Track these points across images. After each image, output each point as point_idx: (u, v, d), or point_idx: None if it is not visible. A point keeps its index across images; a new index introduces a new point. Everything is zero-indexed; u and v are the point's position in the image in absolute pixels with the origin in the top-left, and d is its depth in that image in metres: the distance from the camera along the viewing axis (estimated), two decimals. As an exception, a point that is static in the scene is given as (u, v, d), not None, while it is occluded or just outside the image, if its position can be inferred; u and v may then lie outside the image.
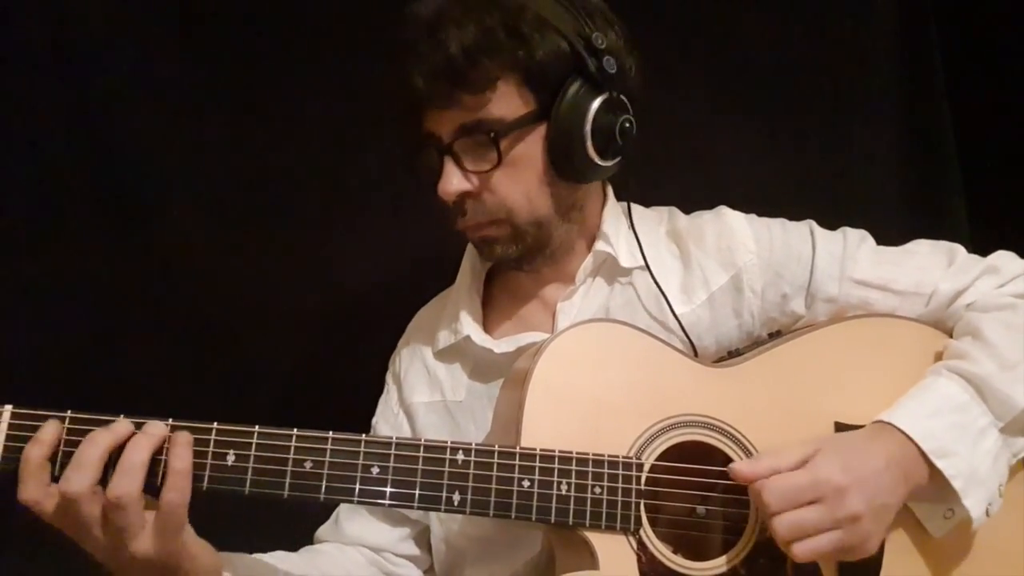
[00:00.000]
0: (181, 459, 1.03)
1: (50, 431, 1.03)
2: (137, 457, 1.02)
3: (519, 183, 1.26)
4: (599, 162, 1.24)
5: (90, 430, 1.04)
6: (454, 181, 1.24)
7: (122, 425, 1.04)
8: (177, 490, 1.03)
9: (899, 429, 1.11)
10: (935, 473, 1.10)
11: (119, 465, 1.02)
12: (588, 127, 1.22)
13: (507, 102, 1.22)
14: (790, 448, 1.10)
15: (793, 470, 1.07)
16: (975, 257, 1.30)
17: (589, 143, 1.22)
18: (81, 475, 1.00)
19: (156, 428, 1.04)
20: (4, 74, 1.70)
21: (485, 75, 1.19)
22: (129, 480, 1.01)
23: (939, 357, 1.23)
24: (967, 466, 1.10)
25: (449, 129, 1.23)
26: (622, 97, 1.23)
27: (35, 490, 1.02)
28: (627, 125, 1.23)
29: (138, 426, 1.04)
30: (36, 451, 1.02)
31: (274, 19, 1.77)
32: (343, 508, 1.39)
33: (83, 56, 1.73)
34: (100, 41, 1.73)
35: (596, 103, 1.22)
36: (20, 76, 1.70)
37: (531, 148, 1.25)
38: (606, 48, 1.21)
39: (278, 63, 1.77)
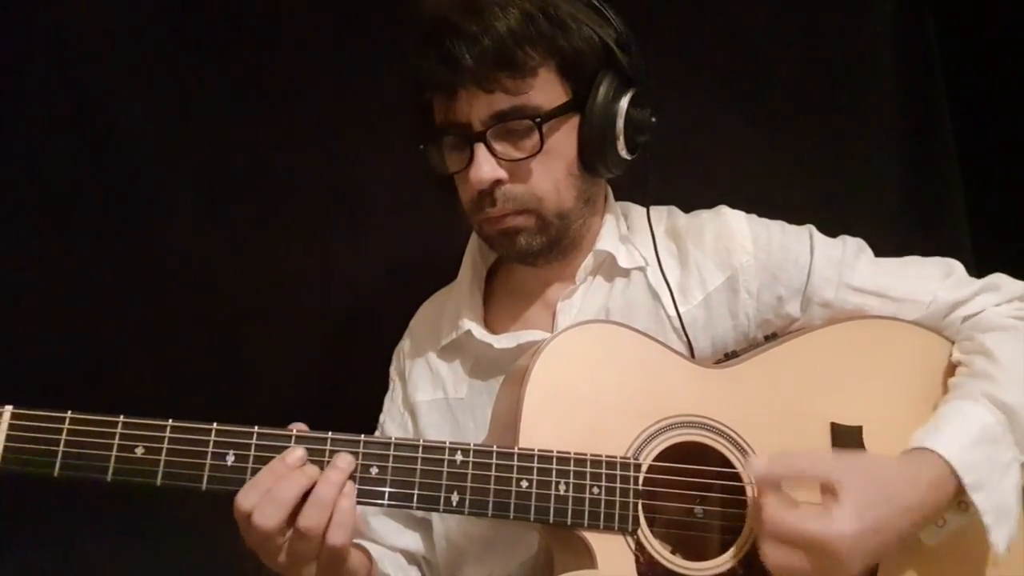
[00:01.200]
0: (348, 498, 1.07)
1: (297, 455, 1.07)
2: (330, 493, 1.05)
3: (550, 173, 1.26)
4: (625, 156, 1.25)
5: (90, 430, 1.05)
6: (486, 169, 1.23)
7: (311, 468, 1.07)
8: (343, 528, 1.06)
9: (942, 457, 1.09)
10: (961, 501, 1.09)
11: (313, 497, 1.05)
12: (621, 121, 1.23)
13: (547, 90, 1.23)
14: (815, 457, 1.08)
15: (807, 483, 1.06)
16: (972, 277, 1.30)
17: (621, 138, 1.23)
18: (276, 511, 1.04)
19: (344, 462, 1.08)
20: (4, 74, 1.70)
21: (530, 60, 1.20)
22: (320, 512, 1.05)
23: (935, 361, 1.24)
24: (997, 500, 1.09)
25: (484, 115, 1.22)
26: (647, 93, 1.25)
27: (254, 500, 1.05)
28: (653, 120, 1.25)
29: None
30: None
31: (276, 18, 1.77)
32: (368, 511, 1.39)
33: (83, 56, 1.73)
34: (100, 41, 1.73)
35: (627, 98, 1.24)
36: (20, 76, 1.70)
37: (564, 138, 1.25)
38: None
39: (279, 62, 1.77)
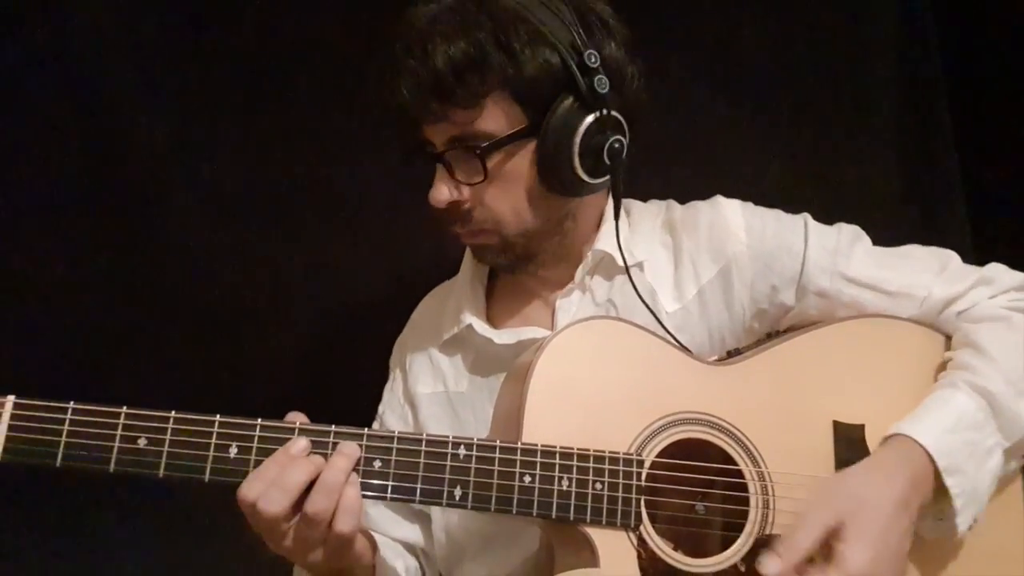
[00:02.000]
0: (353, 486, 1.07)
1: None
2: (336, 479, 1.05)
3: (507, 197, 1.25)
4: (588, 180, 1.23)
5: (92, 421, 1.04)
6: (444, 190, 1.24)
7: (317, 458, 1.07)
8: (350, 514, 1.06)
9: (918, 443, 1.12)
10: (940, 486, 1.11)
11: (320, 483, 1.05)
12: (576, 147, 1.20)
13: (496, 117, 1.21)
14: (809, 520, 1.07)
15: (817, 546, 1.06)
16: (969, 266, 1.31)
17: (577, 162, 1.21)
18: (283, 496, 1.04)
19: (349, 448, 1.08)
20: (4, 74, 1.69)
21: (473, 91, 1.19)
22: (327, 499, 1.05)
23: (936, 360, 1.24)
24: (971, 485, 1.12)
25: (442, 139, 1.23)
26: (614, 115, 1.21)
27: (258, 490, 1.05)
28: (616, 146, 1.22)
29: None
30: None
31: (277, 19, 1.77)
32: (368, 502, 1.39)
33: (84, 56, 1.72)
34: (102, 42, 1.73)
35: (586, 122, 1.20)
36: (20, 76, 1.70)
37: (520, 163, 1.24)
38: (601, 64, 1.19)
39: (280, 62, 1.78)
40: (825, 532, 1.06)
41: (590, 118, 1.20)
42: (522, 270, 1.34)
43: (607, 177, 1.25)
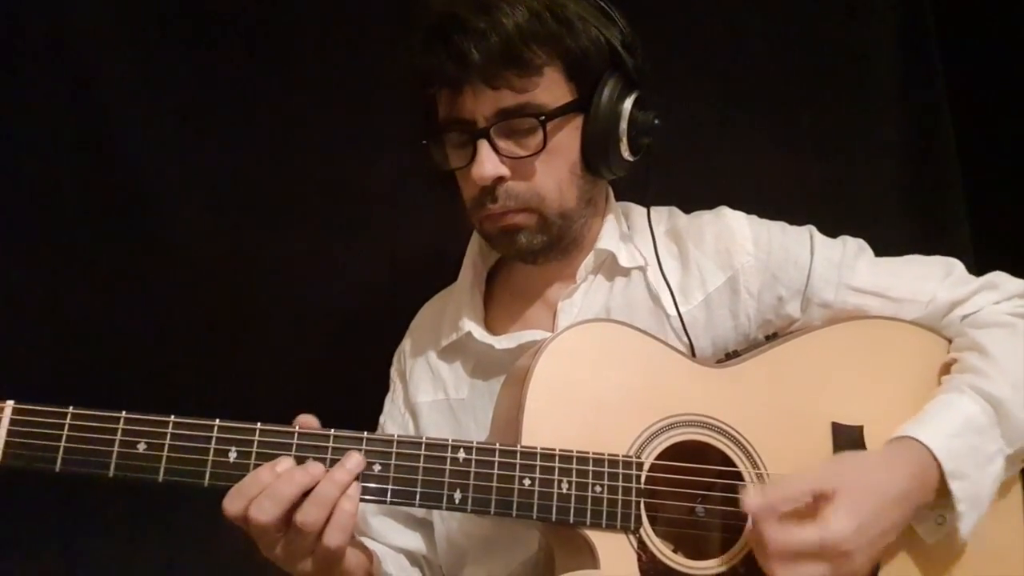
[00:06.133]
0: (351, 500, 1.06)
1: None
2: (331, 493, 1.05)
3: (553, 172, 1.26)
4: (628, 158, 1.25)
5: (91, 426, 1.05)
6: (489, 166, 1.22)
7: (315, 467, 1.06)
8: (341, 529, 1.06)
9: (924, 446, 1.12)
10: (943, 490, 1.11)
11: (314, 495, 1.04)
12: (624, 123, 1.24)
13: (552, 89, 1.23)
14: (803, 477, 1.08)
15: (803, 500, 1.06)
16: (972, 275, 1.31)
17: (624, 139, 1.24)
18: (274, 506, 1.03)
19: (352, 463, 1.07)
20: (4, 74, 1.70)
21: (537, 58, 1.20)
22: (319, 511, 1.04)
23: (936, 362, 1.24)
24: (974, 490, 1.12)
25: (488, 112, 1.22)
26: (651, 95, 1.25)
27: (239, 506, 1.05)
28: (656, 123, 1.25)
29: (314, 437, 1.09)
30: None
31: (278, 17, 1.77)
32: (368, 510, 1.39)
33: (83, 56, 1.73)
34: (101, 41, 1.73)
35: (631, 100, 1.24)
36: (20, 76, 1.70)
37: (568, 138, 1.25)
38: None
39: (281, 60, 1.77)
40: (816, 491, 1.06)
41: (635, 95, 1.24)
42: (545, 256, 1.31)
43: (639, 157, 1.27)
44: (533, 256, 1.31)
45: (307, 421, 1.10)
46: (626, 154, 1.25)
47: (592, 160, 1.26)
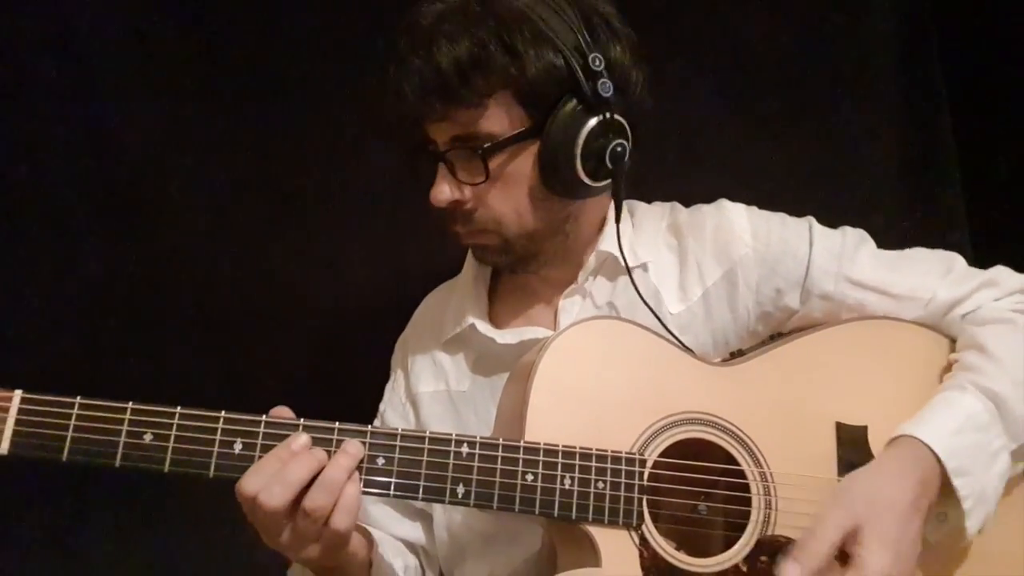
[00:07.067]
0: (354, 484, 1.07)
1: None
2: (338, 477, 1.05)
3: (509, 198, 1.25)
4: (589, 183, 1.23)
5: (99, 415, 1.05)
6: (445, 190, 1.25)
7: (320, 452, 1.07)
8: (348, 512, 1.06)
9: (926, 445, 1.12)
10: (945, 488, 1.11)
11: (321, 479, 1.05)
12: (579, 149, 1.20)
13: (499, 118, 1.21)
14: (823, 525, 1.06)
15: (835, 552, 1.05)
16: (973, 269, 1.31)
17: (579, 165, 1.21)
18: (284, 491, 1.03)
19: (353, 447, 1.08)
20: (4, 74, 1.69)
21: (476, 91, 1.19)
22: (327, 495, 1.05)
23: (939, 362, 1.24)
24: (979, 487, 1.12)
25: (444, 138, 1.24)
26: (617, 118, 1.21)
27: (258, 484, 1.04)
28: (619, 149, 1.21)
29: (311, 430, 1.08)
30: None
31: (278, 19, 1.77)
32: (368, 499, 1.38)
33: (84, 56, 1.72)
34: (101, 41, 1.73)
35: (588, 125, 1.20)
36: (20, 76, 1.70)
37: (523, 164, 1.24)
38: (605, 68, 1.19)
39: (281, 60, 1.78)
40: (842, 536, 1.05)
41: (593, 121, 1.20)
42: (523, 270, 1.34)
43: (609, 180, 1.24)
44: (511, 269, 1.33)
45: (281, 412, 1.10)
46: (586, 180, 1.22)
47: (552, 185, 1.24)
